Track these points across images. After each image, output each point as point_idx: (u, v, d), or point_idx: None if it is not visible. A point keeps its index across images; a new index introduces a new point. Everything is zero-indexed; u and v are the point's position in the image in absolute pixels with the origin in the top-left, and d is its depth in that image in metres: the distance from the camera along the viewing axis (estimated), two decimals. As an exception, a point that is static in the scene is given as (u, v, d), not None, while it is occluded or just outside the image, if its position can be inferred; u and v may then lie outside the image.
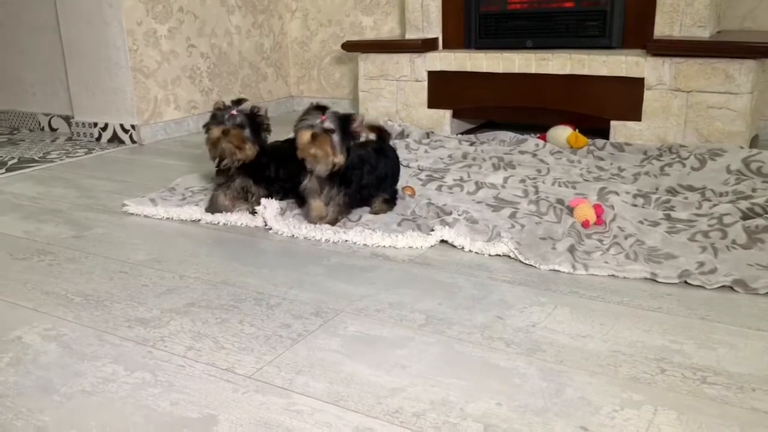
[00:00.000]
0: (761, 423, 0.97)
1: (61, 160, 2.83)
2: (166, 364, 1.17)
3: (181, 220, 1.95)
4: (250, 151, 1.88)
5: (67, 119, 3.42)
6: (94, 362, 1.18)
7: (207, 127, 1.88)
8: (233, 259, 1.65)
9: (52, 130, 3.55)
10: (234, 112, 1.86)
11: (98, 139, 3.20)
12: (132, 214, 2.03)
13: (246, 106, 1.90)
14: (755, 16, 2.74)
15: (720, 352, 1.16)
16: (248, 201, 1.94)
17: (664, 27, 2.55)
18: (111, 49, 3.01)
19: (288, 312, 1.35)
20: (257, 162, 1.91)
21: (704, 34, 2.49)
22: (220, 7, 3.43)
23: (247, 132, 1.87)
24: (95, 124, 3.19)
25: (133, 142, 3.10)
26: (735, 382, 1.07)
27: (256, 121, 1.90)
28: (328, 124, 1.72)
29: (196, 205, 2.01)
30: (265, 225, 1.85)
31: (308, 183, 1.80)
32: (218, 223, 1.92)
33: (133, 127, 3.08)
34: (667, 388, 1.06)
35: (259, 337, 1.25)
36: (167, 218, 1.97)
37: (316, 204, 1.81)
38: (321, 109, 1.76)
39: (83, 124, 3.24)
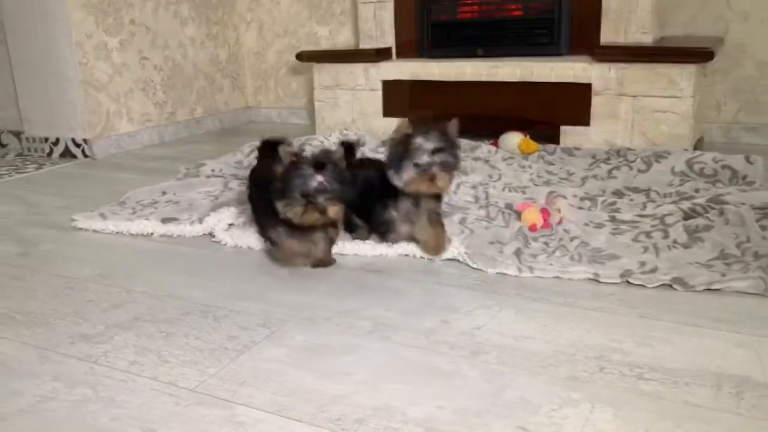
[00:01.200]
0: (694, 416, 0.99)
1: (10, 176, 2.77)
2: (108, 380, 1.15)
3: (131, 234, 1.93)
4: (338, 213, 1.54)
5: (17, 134, 3.35)
6: (33, 380, 1.16)
7: (288, 201, 1.48)
8: (182, 272, 1.63)
9: (2, 145, 3.47)
10: (321, 179, 1.47)
11: (50, 154, 3.14)
12: (81, 229, 1.99)
13: (329, 169, 1.48)
14: (696, 23, 2.82)
15: (657, 349, 1.19)
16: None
17: (609, 33, 2.62)
18: (60, 63, 2.96)
19: (234, 324, 1.34)
20: None
21: (648, 39, 2.56)
22: (173, 19, 3.40)
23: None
24: (46, 139, 3.13)
25: (86, 156, 3.05)
26: (670, 377, 1.10)
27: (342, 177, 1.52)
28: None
29: (147, 218, 1.98)
30: (212, 236, 1.84)
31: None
32: (171, 235, 1.90)
33: (85, 141, 3.03)
34: (605, 385, 1.08)
35: (204, 350, 1.24)
36: (117, 232, 1.94)
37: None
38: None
39: (34, 139, 3.18)
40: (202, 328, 1.33)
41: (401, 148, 1.57)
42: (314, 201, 1.46)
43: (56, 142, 3.10)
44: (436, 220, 1.63)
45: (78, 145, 3.05)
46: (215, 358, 1.21)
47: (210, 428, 1.00)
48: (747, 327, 1.25)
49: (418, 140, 1.55)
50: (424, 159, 1.53)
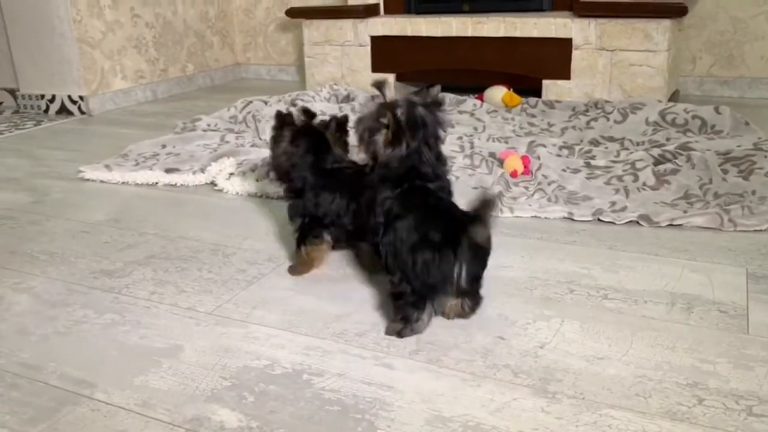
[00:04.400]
0: (649, 327, 1.15)
1: (10, 132, 2.85)
2: (133, 307, 1.29)
3: (137, 183, 2.04)
4: None
5: (12, 92, 3.41)
6: (65, 308, 1.29)
7: None
8: (189, 217, 1.76)
9: (-3, 103, 3.53)
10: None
11: (46, 111, 3.21)
12: (88, 179, 2.10)
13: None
14: (674, -22, 2.92)
15: (621, 274, 1.34)
16: None
17: (589, -10, 2.72)
18: (54, 20, 3.02)
19: (243, 259, 1.48)
20: None
21: (626, -5, 2.67)
22: (163, -24, 3.45)
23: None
24: (42, 96, 3.20)
25: (82, 113, 3.13)
26: (631, 296, 1.25)
27: None
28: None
29: (150, 169, 2.09)
30: (214, 184, 1.96)
31: None
32: (175, 184, 2.02)
33: (81, 98, 3.11)
34: (574, 304, 1.23)
35: (217, 281, 1.38)
36: (123, 182, 2.06)
37: None
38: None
39: (30, 96, 3.24)
40: (214, 263, 1.46)
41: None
42: None
43: (52, 99, 3.18)
44: None
45: (74, 102, 3.13)
46: (228, 287, 1.35)
47: (229, 342, 1.14)
48: (702, 256, 1.40)
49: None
50: None
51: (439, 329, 1.16)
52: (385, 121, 1.13)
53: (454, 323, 1.17)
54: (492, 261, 1.40)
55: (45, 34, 3.06)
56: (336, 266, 1.42)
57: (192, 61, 3.70)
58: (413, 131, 1.12)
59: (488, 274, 1.33)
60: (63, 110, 3.17)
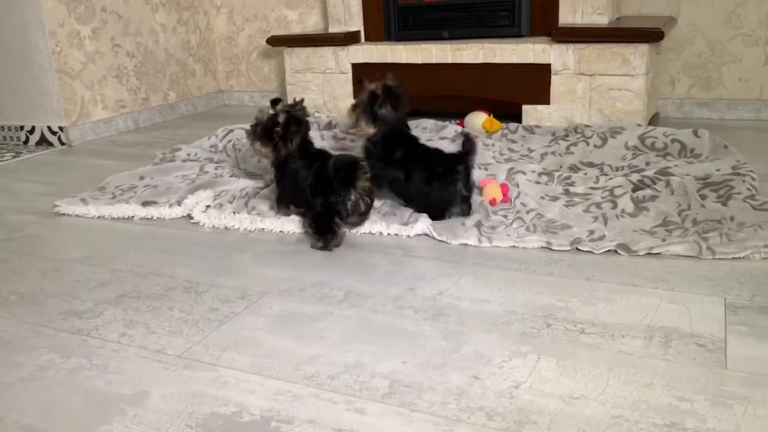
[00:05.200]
0: (626, 363, 1.13)
1: (-12, 164, 2.82)
2: (101, 350, 1.26)
3: (113, 218, 2.01)
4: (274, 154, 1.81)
5: (-9, 123, 3.38)
6: (31, 353, 1.26)
7: None
8: (163, 252, 1.73)
9: (-23, 135, 3.50)
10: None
11: (26, 142, 3.19)
12: (63, 214, 2.07)
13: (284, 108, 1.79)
14: (651, 3, 2.95)
15: (599, 307, 1.32)
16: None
17: (567, 15, 2.74)
18: (34, 52, 3.00)
19: (215, 297, 1.45)
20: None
21: (603, 20, 2.69)
22: (144, 6, 3.44)
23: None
24: (22, 127, 3.18)
25: (62, 143, 3.10)
26: (608, 331, 1.23)
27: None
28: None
29: (127, 202, 2.07)
30: (190, 217, 1.94)
31: None
32: (151, 218, 1.99)
33: (61, 128, 3.09)
34: (550, 339, 1.21)
35: (188, 321, 1.35)
36: (99, 217, 2.03)
37: None
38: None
39: (9, 127, 3.21)
40: (186, 302, 1.44)
41: None
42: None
43: (32, 130, 3.15)
44: None
45: (54, 133, 3.11)
46: (199, 328, 1.32)
47: (197, 388, 1.11)
48: (680, 285, 1.39)
49: None
50: None
51: (415, 369, 1.13)
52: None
53: (429, 360, 1.15)
54: (470, 294, 1.40)
55: (24, 65, 3.05)
56: (312, 302, 1.40)
57: (174, 90, 3.69)
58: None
59: (466, 308, 1.32)
60: (43, 141, 3.14)
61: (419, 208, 1.82)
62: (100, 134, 3.24)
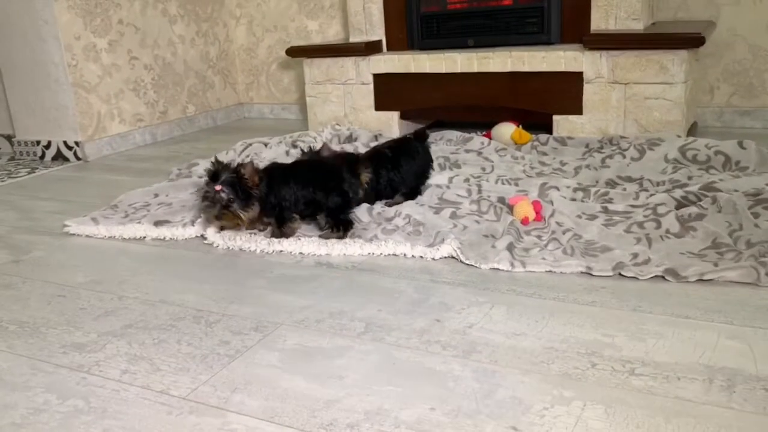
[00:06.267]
0: (685, 411, 0.99)
1: (2, 181, 2.76)
2: (100, 390, 1.15)
3: (124, 238, 1.92)
4: (247, 216, 1.75)
5: (8, 138, 3.34)
6: (25, 393, 1.16)
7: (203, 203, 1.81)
8: (174, 276, 1.63)
9: (-5, 150, 3.46)
10: (218, 188, 1.71)
11: (42, 157, 3.13)
12: (73, 234, 1.99)
13: (227, 178, 1.72)
14: (687, 7, 2.80)
15: (649, 343, 1.18)
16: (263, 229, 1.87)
17: (599, 21, 2.60)
18: (50, 66, 2.95)
19: (227, 328, 1.34)
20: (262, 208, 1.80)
21: (638, 26, 2.55)
22: (161, 18, 3.38)
23: (236, 206, 1.72)
24: (38, 143, 3.12)
25: (78, 158, 3.04)
26: (661, 372, 1.09)
27: (241, 186, 1.73)
28: (223, 195, 1.72)
29: (139, 222, 1.98)
30: (204, 237, 1.84)
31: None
32: (164, 238, 1.90)
33: (77, 143, 3.02)
34: (597, 382, 1.08)
35: (196, 357, 1.24)
36: (109, 237, 1.94)
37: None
38: (215, 177, 1.73)
39: (25, 143, 3.16)
40: (195, 333, 1.33)
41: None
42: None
43: (48, 145, 3.09)
44: None
45: (70, 148, 3.04)
46: (207, 364, 1.21)
47: (202, 437, 1.00)
48: (739, 318, 1.25)
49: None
50: None
51: (444, 417, 1.01)
52: None
53: (460, 407, 1.02)
54: (503, 327, 1.27)
55: (40, 79, 2.99)
56: (330, 335, 1.28)
57: (193, 102, 3.62)
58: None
59: (500, 343, 1.19)
60: (59, 156, 3.08)
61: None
62: (117, 149, 3.18)
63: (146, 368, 1.21)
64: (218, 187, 1.71)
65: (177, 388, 1.14)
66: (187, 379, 1.16)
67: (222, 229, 1.83)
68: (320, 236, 1.78)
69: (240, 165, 1.75)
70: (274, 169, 1.87)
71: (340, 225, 1.79)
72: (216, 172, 1.73)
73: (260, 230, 1.86)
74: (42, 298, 1.56)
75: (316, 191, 1.81)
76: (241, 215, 1.74)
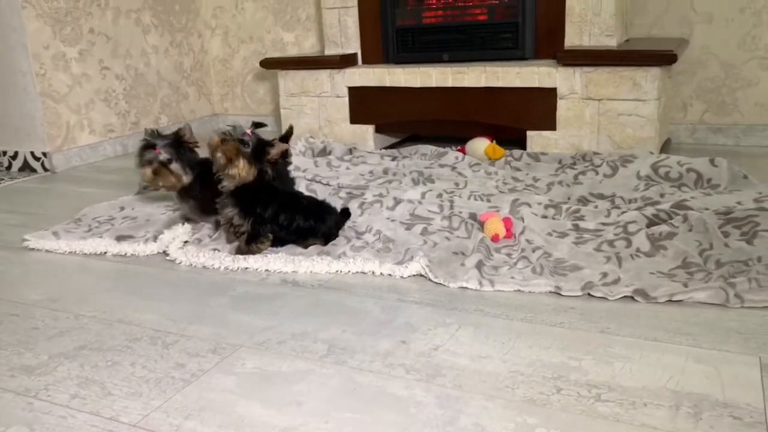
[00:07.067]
0: (650, 439, 0.97)
1: (-35, 192, 2.68)
2: (47, 417, 1.10)
3: (84, 253, 1.87)
4: (243, 170, 1.69)
5: (-26, 148, 3.25)
6: (-34, 420, 1.10)
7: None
8: (134, 294, 1.58)
9: (-40, 160, 3.37)
10: (248, 131, 1.71)
11: (8, 168, 3.05)
12: (33, 249, 1.93)
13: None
14: (662, 24, 2.82)
15: (616, 367, 1.16)
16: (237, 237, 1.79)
17: (573, 37, 2.60)
18: (17, 75, 2.88)
19: (183, 350, 1.29)
20: (253, 192, 1.74)
21: (612, 43, 2.55)
22: (134, 27, 3.33)
23: (246, 149, 1.69)
24: (4, 153, 3.05)
25: (46, 170, 2.97)
26: (628, 397, 1.07)
27: (263, 149, 1.71)
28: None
29: (101, 237, 1.92)
30: (166, 254, 1.79)
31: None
32: (125, 254, 1.84)
33: (44, 154, 2.95)
34: (562, 408, 1.05)
35: (150, 380, 1.19)
36: (70, 252, 1.88)
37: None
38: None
39: (-9, 152, 3.09)
40: (150, 355, 1.28)
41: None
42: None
43: (15, 155, 3.02)
44: None
45: (37, 159, 2.97)
46: (161, 389, 1.16)
47: (149, 468, 0.95)
48: (707, 340, 1.23)
49: None
50: None
51: (401, 446, 0.97)
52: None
53: (420, 437, 0.99)
54: (469, 349, 1.24)
55: (7, 88, 2.92)
56: (291, 357, 1.24)
57: (166, 113, 3.56)
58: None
59: (465, 367, 1.16)
60: (26, 167, 3.01)
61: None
62: (86, 160, 3.11)
63: (97, 393, 1.16)
64: (249, 131, 1.70)
65: (127, 414, 1.09)
66: (138, 405, 1.11)
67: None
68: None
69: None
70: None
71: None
72: (259, 124, 1.77)
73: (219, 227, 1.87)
74: (-6, 317, 1.50)
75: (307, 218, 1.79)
76: (243, 159, 1.68)
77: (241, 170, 1.68)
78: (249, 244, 1.74)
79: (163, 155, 1.87)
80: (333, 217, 1.84)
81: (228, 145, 1.67)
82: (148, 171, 1.87)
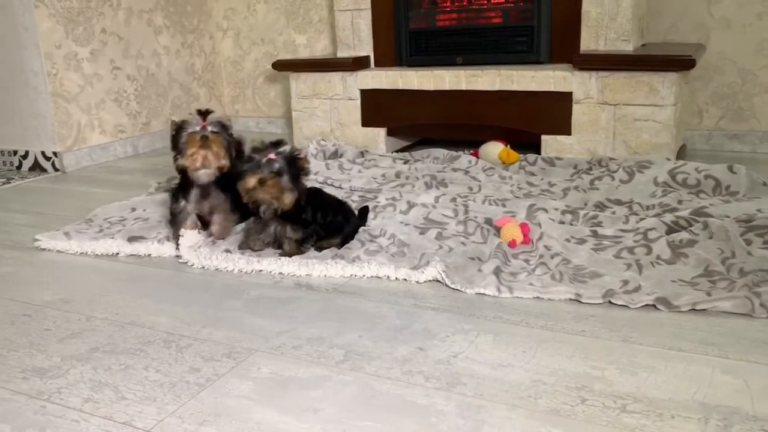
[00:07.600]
0: (679, 453, 0.94)
1: (-24, 191, 2.67)
2: (60, 420, 1.08)
3: (96, 254, 1.85)
4: (288, 200, 1.64)
5: (-15, 147, 3.25)
6: (-22, 423, 1.08)
7: (241, 172, 1.65)
8: (146, 296, 1.56)
9: (-30, 159, 3.37)
10: (272, 156, 1.61)
11: (19, 167, 3.04)
12: (44, 249, 1.91)
13: (286, 149, 1.65)
14: (678, 29, 2.79)
15: (641, 377, 1.13)
16: (282, 246, 1.75)
17: (589, 41, 2.57)
18: (29, 74, 2.87)
19: (198, 354, 1.27)
20: (295, 207, 1.68)
21: (628, 47, 2.52)
22: (146, 28, 3.32)
23: (285, 180, 1.62)
24: (15, 152, 3.04)
25: (56, 169, 2.96)
26: (654, 408, 1.04)
27: (295, 166, 1.65)
28: (276, 165, 1.61)
29: (112, 238, 1.90)
30: (179, 256, 1.77)
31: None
32: (138, 255, 1.83)
33: (55, 154, 2.94)
34: (587, 419, 1.02)
35: (164, 385, 1.17)
36: (81, 253, 1.86)
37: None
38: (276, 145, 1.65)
39: (2, 152, 3.08)
40: (164, 359, 1.26)
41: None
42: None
43: (25, 155, 3.01)
44: None
45: (48, 158, 2.96)
46: (175, 393, 1.14)
47: (165, 476, 0.93)
48: (734, 351, 1.20)
49: None
50: None
51: (423, 456, 0.95)
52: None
53: (441, 447, 0.96)
54: (489, 357, 1.21)
55: (19, 88, 2.92)
56: (307, 363, 1.22)
57: (177, 114, 3.55)
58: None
59: (485, 375, 1.14)
60: (36, 167, 3.00)
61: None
62: (97, 160, 3.10)
63: (110, 396, 1.14)
64: (273, 156, 1.60)
65: (141, 419, 1.07)
66: (153, 410, 1.09)
67: (254, 203, 1.66)
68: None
69: (297, 149, 1.69)
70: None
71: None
72: (278, 142, 1.65)
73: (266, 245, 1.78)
74: (6, 318, 1.48)
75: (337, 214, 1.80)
76: (286, 191, 1.62)
77: (287, 203, 1.64)
78: (300, 247, 1.73)
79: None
80: (354, 219, 1.83)
81: (269, 186, 1.61)
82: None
